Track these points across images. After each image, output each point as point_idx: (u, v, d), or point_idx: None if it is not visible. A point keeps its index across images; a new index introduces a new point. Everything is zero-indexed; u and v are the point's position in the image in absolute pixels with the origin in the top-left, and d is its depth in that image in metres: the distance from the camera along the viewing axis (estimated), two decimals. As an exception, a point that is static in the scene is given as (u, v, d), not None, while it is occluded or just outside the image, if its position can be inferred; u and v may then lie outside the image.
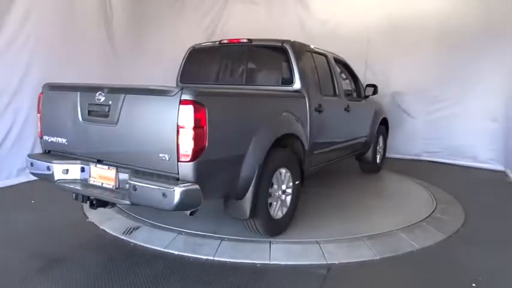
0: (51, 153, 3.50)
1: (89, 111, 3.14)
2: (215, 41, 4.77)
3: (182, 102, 2.67)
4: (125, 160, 3.02)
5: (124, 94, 2.96)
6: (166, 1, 7.74)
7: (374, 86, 5.54)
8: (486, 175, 6.60)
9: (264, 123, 3.34)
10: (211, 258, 3.25)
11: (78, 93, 3.21)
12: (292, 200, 3.72)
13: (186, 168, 2.70)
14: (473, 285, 2.96)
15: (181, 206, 2.67)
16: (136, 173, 2.89)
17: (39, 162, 3.35)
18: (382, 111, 6.27)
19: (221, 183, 3.07)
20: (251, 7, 8.37)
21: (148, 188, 2.72)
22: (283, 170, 3.60)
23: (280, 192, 3.61)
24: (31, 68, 5.31)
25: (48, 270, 3.03)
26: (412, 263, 3.34)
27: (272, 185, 3.47)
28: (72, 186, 3.21)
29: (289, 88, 3.99)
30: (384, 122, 6.28)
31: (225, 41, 4.60)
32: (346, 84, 5.43)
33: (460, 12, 6.85)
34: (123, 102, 2.95)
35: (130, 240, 3.55)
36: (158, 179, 2.76)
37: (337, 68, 4.92)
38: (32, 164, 3.42)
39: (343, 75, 5.34)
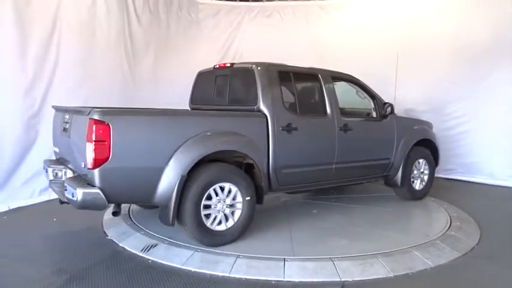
0: (59, 160, 4.27)
1: (63, 128, 3.97)
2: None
3: (89, 120, 3.26)
4: (74, 166, 3.78)
5: (73, 114, 3.76)
6: (182, 26, 8.03)
7: (389, 105, 5.21)
8: (503, 192, 6.53)
9: (188, 139, 3.59)
10: (227, 275, 3.33)
11: (61, 113, 4.12)
12: (242, 214, 3.89)
13: (92, 175, 3.26)
14: (488, 303, 2.97)
15: (84, 205, 3.28)
16: (74, 177, 3.65)
17: (45, 166, 4.18)
18: (424, 131, 5.77)
19: (130, 190, 3.47)
20: (265, 29, 8.57)
21: (68, 188, 3.41)
22: (226, 185, 3.81)
23: (222, 206, 3.80)
24: (53, 92, 5.56)
25: (71, 285, 3.16)
26: (426, 281, 3.36)
27: (210, 197, 3.73)
28: (53, 185, 3.98)
29: (253, 107, 4.20)
30: (427, 144, 5.73)
31: (217, 66, 4.92)
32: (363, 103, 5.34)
33: (473, 30, 6.88)
34: (72, 121, 3.74)
35: (149, 257, 3.66)
36: (76, 182, 3.42)
37: (333, 86, 4.78)
38: (43, 167, 4.23)
39: (361, 95, 5.24)
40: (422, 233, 4.24)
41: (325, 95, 4.70)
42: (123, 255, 3.76)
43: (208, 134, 3.75)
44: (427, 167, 5.73)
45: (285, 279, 3.28)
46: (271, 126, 4.14)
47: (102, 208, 3.36)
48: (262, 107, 4.17)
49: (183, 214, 3.61)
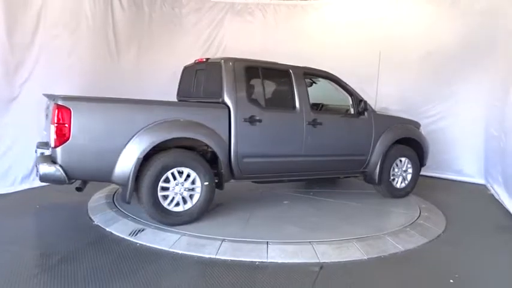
0: (47, 142, 4.36)
1: (46, 114, 4.33)
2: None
3: (53, 105, 3.71)
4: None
5: (50, 100, 4.09)
6: (165, 20, 8.12)
7: (363, 102, 5.25)
8: (469, 188, 6.94)
9: (146, 126, 3.93)
10: (214, 256, 3.53)
11: (47, 100, 4.41)
12: (200, 198, 4.19)
13: (54, 153, 3.74)
14: (451, 281, 3.29)
15: (45, 179, 3.77)
16: (46, 155, 4.07)
17: (36, 148, 4.46)
18: (406, 130, 5.74)
19: (89, 168, 3.88)
20: (247, 25, 8.74)
21: (37, 164, 3.87)
22: (185, 170, 4.12)
23: (180, 189, 4.11)
24: (36, 81, 5.53)
25: (60, 267, 3.26)
26: (396, 263, 3.66)
27: (168, 180, 4.06)
28: (36, 164, 4.20)
29: (219, 100, 4.47)
30: (412, 143, 5.73)
31: (197, 61, 5.18)
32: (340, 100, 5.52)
33: (441, 36, 7.26)
34: (49, 106, 4.09)
35: (137, 241, 3.80)
36: (43, 159, 3.89)
37: (304, 82, 4.95)
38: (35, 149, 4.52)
39: (339, 92, 5.35)
40: (376, 227, 4.33)
41: (295, 90, 4.86)
42: (111, 239, 3.88)
43: (167, 122, 4.06)
44: (410, 165, 5.72)
45: (268, 261, 3.50)
46: (234, 117, 4.38)
47: (63, 182, 3.77)
48: (226, 99, 4.42)
49: (141, 193, 3.96)
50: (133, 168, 3.84)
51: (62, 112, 3.67)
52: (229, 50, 8.45)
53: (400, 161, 5.65)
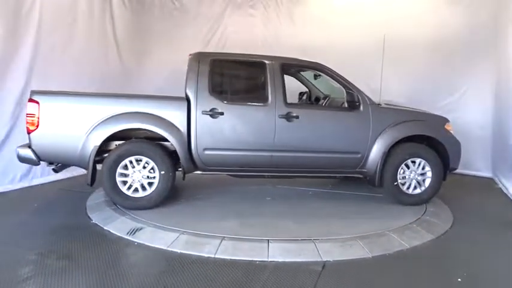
0: None
1: None
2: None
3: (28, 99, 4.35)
4: None
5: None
6: (165, 13, 8.02)
7: (350, 94, 4.79)
8: (476, 182, 6.79)
9: (106, 117, 4.35)
10: (213, 256, 3.43)
11: None
12: (158, 186, 4.45)
13: (29, 139, 4.35)
14: (459, 280, 3.17)
15: (21, 160, 4.44)
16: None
17: None
18: (418, 126, 5.00)
19: (56, 152, 4.43)
20: (248, 19, 8.59)
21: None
22: (143, 158, 4.43)
23: (139, 176, 4.44)
24: (33, 77, 5.44)
25: (57, 266, 3.18)
26: (402, 261, 3.54)
27: (126, 167, 4.41)
28: None
29: (182, 94, 4.64)
30: (433, 142, 5.02)
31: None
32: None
33: (452, 20, 7.07)
34: None
35: (135, 240, 3.71)
36: (24, 145, 4.48)
37: (280, 74, 4.70)
38: None
39: (333, 84, 5.03)
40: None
41: (269, 83, 4.67)
42: (108, 238, 3.80)
43: (124, 114, 4.39)
44: (428, 169, 4.91)
45: (269, 260, 3.39)
46: (194, 110, 4.51)
47: (35, 164, 4.51)
48: (188, 92, 4.59)
49: (102, 178, 4.39)
50: (91, 154, 4.30)
51: (31, 104, 4.27)
52: (231, 44, 8.33)
53: (413, 162, 4.90)
